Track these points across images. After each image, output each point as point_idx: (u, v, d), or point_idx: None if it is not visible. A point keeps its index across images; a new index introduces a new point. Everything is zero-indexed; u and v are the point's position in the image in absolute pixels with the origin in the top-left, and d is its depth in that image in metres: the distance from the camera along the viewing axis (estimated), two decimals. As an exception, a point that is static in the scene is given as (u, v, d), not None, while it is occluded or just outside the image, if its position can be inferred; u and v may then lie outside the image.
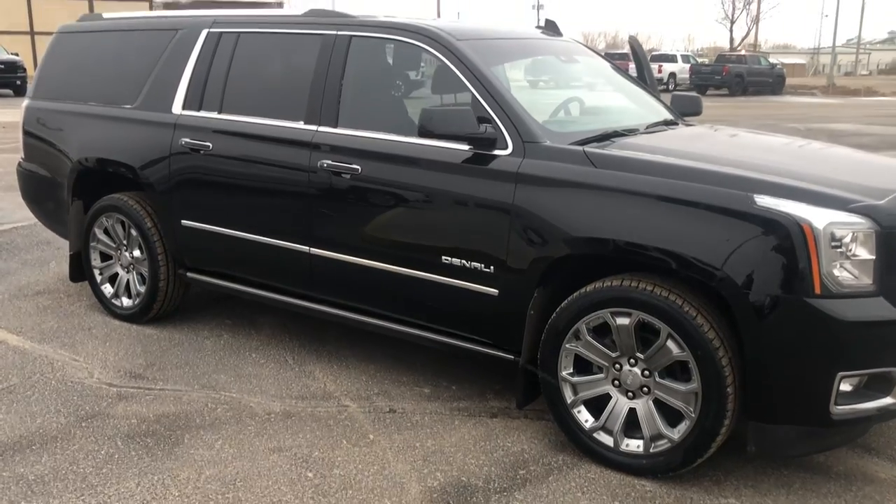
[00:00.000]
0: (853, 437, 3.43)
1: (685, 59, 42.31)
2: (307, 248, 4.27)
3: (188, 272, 4.98)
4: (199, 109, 4.71)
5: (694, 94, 5.23)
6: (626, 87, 4.71)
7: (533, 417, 3.97)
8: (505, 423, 3.91)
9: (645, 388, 3.39)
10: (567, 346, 3.50)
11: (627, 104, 4.46)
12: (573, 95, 4.32)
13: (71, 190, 5.35)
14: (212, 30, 4.76)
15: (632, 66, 6.99)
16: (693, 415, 3.25)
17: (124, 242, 5.19)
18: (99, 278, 5.36)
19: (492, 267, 3.66)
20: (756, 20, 61.30)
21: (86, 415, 3.95)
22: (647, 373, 3.37)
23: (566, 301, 3.48)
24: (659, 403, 3.37)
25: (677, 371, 3.32)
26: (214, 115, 4.64)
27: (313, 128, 4.21)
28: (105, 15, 5.56)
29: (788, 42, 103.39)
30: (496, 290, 3.67)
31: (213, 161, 4.60)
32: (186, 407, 4.05)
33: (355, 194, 4.06)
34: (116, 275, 5.31)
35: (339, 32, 4.24)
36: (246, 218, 4.52)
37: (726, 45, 63.06)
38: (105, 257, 5.36)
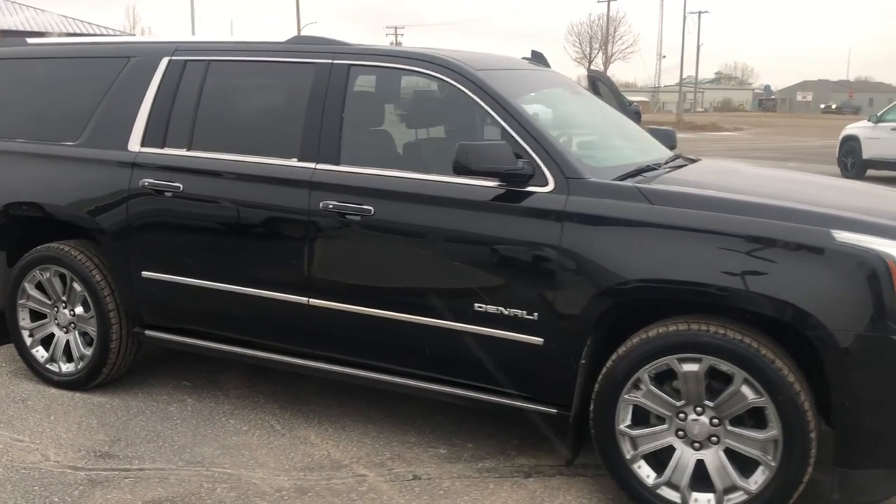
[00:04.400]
0: None
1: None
2: (305, 298, 3.82)
3: (146, 330, 4.37)
4: (162, 146, 4.17)
5: (669, 128, 5.17)
6: (623, 121, 4.57)
7: (569, 474, 3.69)
8: (543, 484, 3.60)
9: (713, 438, 3.18)
10: (626, 396, 3.25)
11: (632, 139, 4.31)
12: (585, 129, 4.12)
13: (-8, 240, 4.62)
14: (174, 57, 4.24)
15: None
16: (773, 463, 3.06)
17: (63, 299, 4.52)
18: (29, 341, 4.64)
19: (536, 314, 3.37)
20: (609, 60, 64.59)
21: (58, 508, 3.32)
22: (715, 421, 3.16)
23: (623, 348, 3.24)
24: (730, 453, 3.17)
25: (745, 418, 3.14)
26: (183, 152, 4.12)
27: (311, 165, 3.79)
28: (30, 41, 4.89)
29: (630, 80, 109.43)
30: (541, 339, 3.38)
31: (183, 204, 4.06)
32: (179, 489, 3.49)
33: (367, 238, 3.67)
34: (51, 336, 4.61)
35: (336, 61, 3.86)
36: (225, 267, 4.01)
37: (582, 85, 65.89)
38: (36, 316, 4.64)
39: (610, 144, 3.94)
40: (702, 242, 3.11)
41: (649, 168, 3.75)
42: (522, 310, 3.39)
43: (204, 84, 4.15)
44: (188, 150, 4.11)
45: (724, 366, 3.07)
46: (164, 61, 4.25)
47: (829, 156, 20.11)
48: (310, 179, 3.77)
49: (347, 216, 3.67)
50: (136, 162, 4.19)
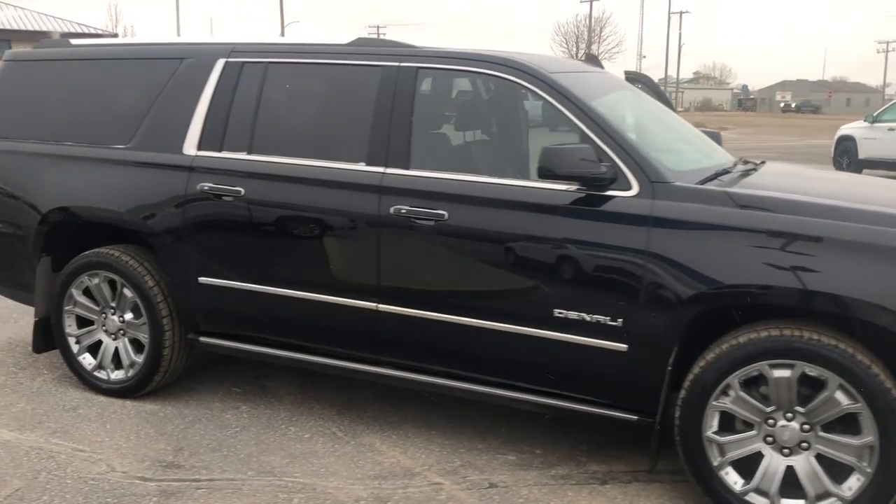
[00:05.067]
0: None
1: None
2: (374, 304, 3.76)
3: (201, 336, 4.29)
4: (220, 150, 4.09)
5: (716, 130, 5.16)
6: (683, 123, 4.53)
7: (644, 481, 3.66)
8: (621, 490, 3.57)
9: (804, 444, 3.16)
10: (714, 402, 3.22)
11: (694, 142, 4.28)
12: (652, 133, 4.09)
13: (38, 245, 4.51)
14: (231, 59, 4.16)
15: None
16: (868, 470, 3.05)
17: (112, 305, 4.43)
18: (76, 348, 4.54)
19: (620, 320, 3.33)
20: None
21: (136, 521, 3.25)
22: (806, 427, 3.14)
23: (712, 355, 3.21)
24: (820, 459, 3.15)
25: (835, 423, 3.12)
26: (243, 156, 4.04)
27: (380, 170, 3.74)
28: (74, 41, 4.79)
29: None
30: (625, 345, 3.34)
31: (244, 209, 3.99)
32: (254, 499, 3.43)
33: (441, 243, 3.63)
34: (98, 343, 4.52)
35: (403, 64, 3.80)
36: (288, 273, 3.94)
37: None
38: (83, 323, 4.55)
39: (677, 148, 3.91)
40: (801, 247, 3.08)
41: (724, 171, 3.73)
42: (606, 316, 3.36)
43: (263, 86, 4.08)
44: (248, 154, 4.04)
45: (818, 371, 3.05)
46: (220, 63, 4.18)
47: (818, 155, 20.37)
48: (379, 184, 3.71)
49: (420, 221, 3.62)
50: (192, 166, 4.11)
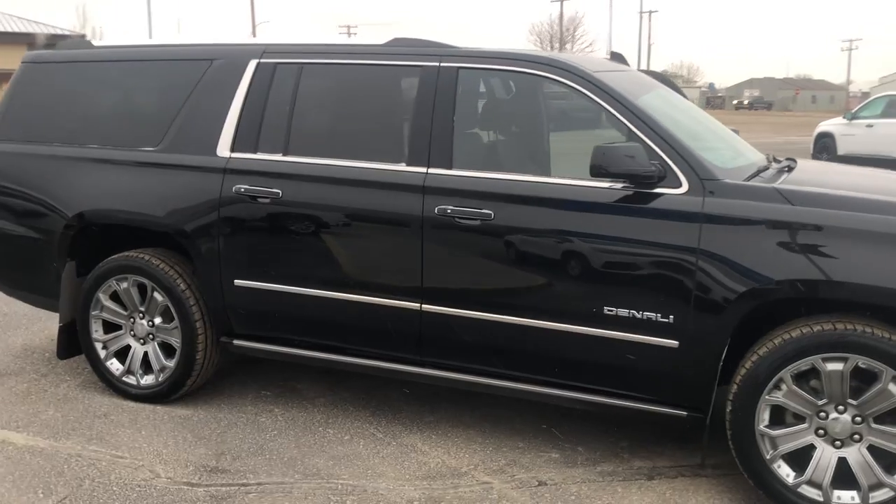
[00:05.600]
0: None
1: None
2: (417, 304, 3.76)
3: (235, 340, 4.26)
4: (255, 151, 4.06)
5: (734, 129, 5.21)
6: (713, 121, 4.57)
7: (690, 475, 3.70)
8: (669, 486, 3.60)
9: (856, 436, 3.21)
10: (766, 397, 3.27)
11: (726, 139, 4.32)
12: (690, 131, 4.11)
13: (63, 249, 4.45)
14: (263, 60, 4.13)
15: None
16: (923, 460, 3.11)
17: (141, 309, 4.38)
18: (103, 353, 4.48)
19: (671, 317, 3.37)
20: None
21: (192, 527, 3.21)
22: (858, 419, 3.20)
23: (764, 349, 3.25)
24: (873, 450, 3.21)
25: (886, 415, 3.18)
26: (279, 157, 4.02)
27: (422, 170, 3.73)
28: (96, 42, 4.72)
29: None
30: (676, 342, 3.38)
31: (282, 210, 3.97)
32: (307, 502, 3.41)
33: (487, 243, 3.63)
34: (127, 348, 4.46)
35: (443, 64, 3.80)
36: (328, 274, 3.92)
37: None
38: (109, 328, 4.49)
39: (716, 145, 3.95)
40: (856, 242, 3.13)
41: (763, 168, 3.78)
42: (657, 313, 3.39)
43: (298, 87, 4.05)
44: (283, 155, 4.02)
45: (871, 364, 3.11)
46: (252, 64, 4.14)
47: (795, 151, 20.53)
48: (422, 184, 3.71)
49: (465, 220, 3.63)
50: (227, 168, 4.07)
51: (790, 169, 3.91)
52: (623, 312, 3.44)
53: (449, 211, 3.64)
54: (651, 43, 66.86)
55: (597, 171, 3.35)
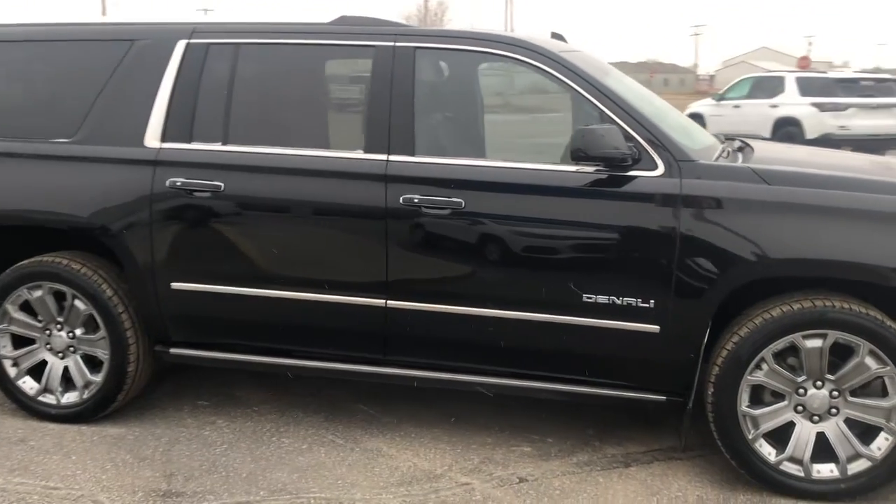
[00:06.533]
0: None
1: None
2: (382, 301, 3.54)
3: (172, 348, 3.89)
4: (189, 141, 3.70)
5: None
6: (664, 103, 4.53)
7: (663, 459, 3.68)
8: (647, 472, 3.56)
9: (833, 410, 3.27)
10: (748, 377, 3.27)
11: (681, 121, 4.28)
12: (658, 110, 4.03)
13: (-39, 257, 3.93)
14: (193, 41, 3.76)
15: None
16: (897, 429, 3.20)
17: (59, 319, 3.92)
18: (13, 371, 3.99)
19: (652, 301, 3.31)
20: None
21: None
22: (835, 393, 3.25)
23: (745, 330, 3.25)
24: (849, 423, 3.27)
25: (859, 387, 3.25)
26: (218, 147, 3.68)
27: (382, 157, 3.50)
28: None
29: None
30: (657, 327, 3.32)
31: (226, 205, 3.64)
32: (282, 523, 3.14)
33: (458, 232, 3.45)
34: (42, 364, 3.99)
35: (399, 44, 3.57)
36: (282, 273, 3.63)
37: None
38: (20, 342, 4.00)
39: (676, 127, 3.89)
40: (834, 220, 3.17)
41: (726, 149, 3.79)
42: (637, 298, 3.32)
43: (235, 70, 3.72)
44: (223, 144, 3.68)
45: (849, 339, 3.16)
46: (181, 45, 3.77)
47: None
48: (384, 172, 3.48)
49: (433, 210, 3.43)
50: (158, 159, 3.69)
51: (749, 148, 3.93)
52: (602, 299, 3.35)
53: (416, 200, 3.43)
54: (513, 29, 68.07)
55: (577, 155, 3.23)
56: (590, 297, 3.36)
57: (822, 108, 14.38)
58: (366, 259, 3.53)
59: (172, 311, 3.78)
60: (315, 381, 4.41)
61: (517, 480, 3.48)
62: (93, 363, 3.94)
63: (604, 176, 3.35)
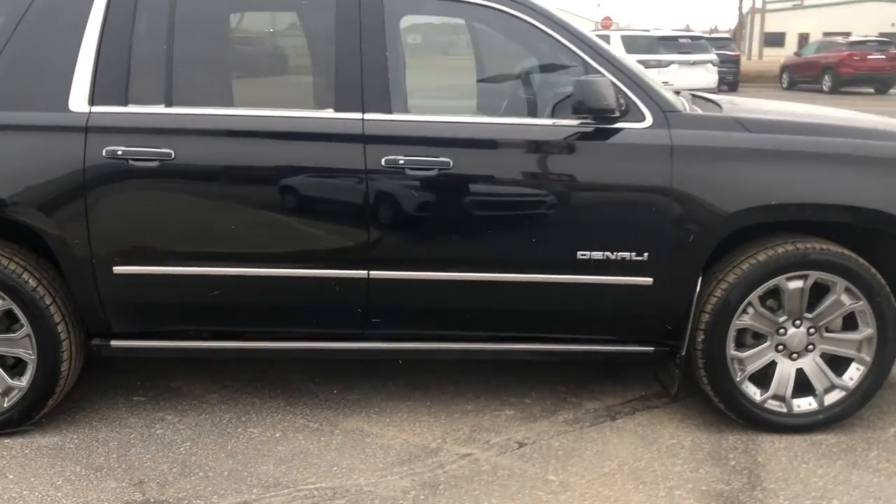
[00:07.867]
0: None
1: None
2: (364, 272, 3.29)
3: (113, 340, 3.43)
4: (125, 104, 3.23)
5: None
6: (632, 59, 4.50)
7: (644, 408, 3.74)
8: (636, 422, 3.60)
9: (809, 346, 3.44)
10: (737, 321, 3.36)
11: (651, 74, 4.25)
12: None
13: None
14: (119, -19, 3.26)
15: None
16: (868, 359, 3.41)
17: (-35, 319, 3.34)
18: None
19: (646, 254, 3.30)
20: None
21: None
22: (812, 330, 3.42)
23: (732, 276, 3.32)
24: (823, 357, 3.46)
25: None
26: (161, 109, 3.23)
27: (356, 116, 3.23)
28: None
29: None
30: (650, 279, 3.33)
31: (178, 175, 3.21)
32: (294, 520, 2.87)
33: (446, 194, 3.26)
34: (-53, 371, 3.39)
35: (366, -10, 3.28)
36: (250, 249, 3.27)
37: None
38: (-86, 349, 3.37)
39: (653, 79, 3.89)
40: (810, 166, 3.29)
41: (700, 101, 3.84)
42: (631, 251, 3.30)
43: (174, 19, 3.27)
44: (167, 106, 3.24)
45: (827, 278, 3.32)
46: (105, -13, 3.25)
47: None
48: (361, 132, 3.21)
49: (419, 171, 3.22)
50: (89, 125, 3.19)
51: (713, 101, 3.98)
52: (597, 255, 3.30)
53: (401, 162, 3.19)
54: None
55: (579, 109, 3.13)
56: (584, 254, 3.30)
57: (646, 65, 15.18)
58: (347, 228, 3.27)
59: (115, 299, 3.32)
60: (257, 363, 4.09)
61: (517, 445, 3.39)
62: (13, 366, 3.40)
63: (590, 129, 3.28)
